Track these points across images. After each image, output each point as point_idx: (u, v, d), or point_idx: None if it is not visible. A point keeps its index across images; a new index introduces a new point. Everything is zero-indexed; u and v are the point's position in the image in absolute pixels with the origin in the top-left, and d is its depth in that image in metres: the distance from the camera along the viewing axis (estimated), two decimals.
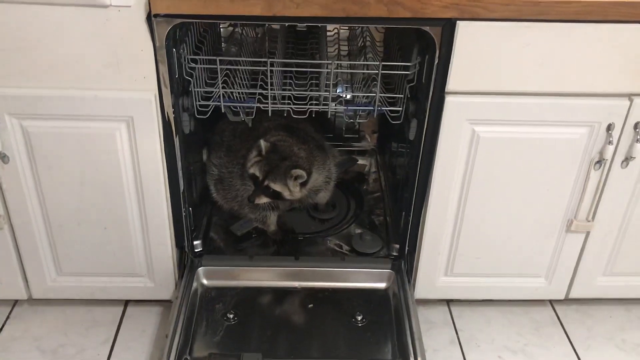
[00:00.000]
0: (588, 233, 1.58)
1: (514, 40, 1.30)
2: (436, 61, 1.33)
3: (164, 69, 1.34)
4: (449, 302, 1.79)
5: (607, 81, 1.36)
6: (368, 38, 1.84)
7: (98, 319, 1.69)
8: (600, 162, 1.46)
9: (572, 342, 1.68)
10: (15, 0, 1.22)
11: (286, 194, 1.58)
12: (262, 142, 1.56)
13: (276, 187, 1.56)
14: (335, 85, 1.55)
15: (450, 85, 1.35)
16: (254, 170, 1.57)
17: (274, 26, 1.87)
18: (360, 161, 2.16)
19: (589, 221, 1.55)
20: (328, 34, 1.90)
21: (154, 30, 1.28)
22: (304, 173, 1.55)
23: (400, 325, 1.51)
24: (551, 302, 1.81)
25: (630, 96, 1.38)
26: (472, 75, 1.34)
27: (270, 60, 1.44)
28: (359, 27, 1.87)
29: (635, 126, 1.41)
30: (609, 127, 1.41)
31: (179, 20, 1.28)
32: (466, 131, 1.41)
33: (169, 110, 1.39)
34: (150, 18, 1.26)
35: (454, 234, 1.57)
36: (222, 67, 1.46)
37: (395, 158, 1.90)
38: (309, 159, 1.62)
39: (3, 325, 1.67)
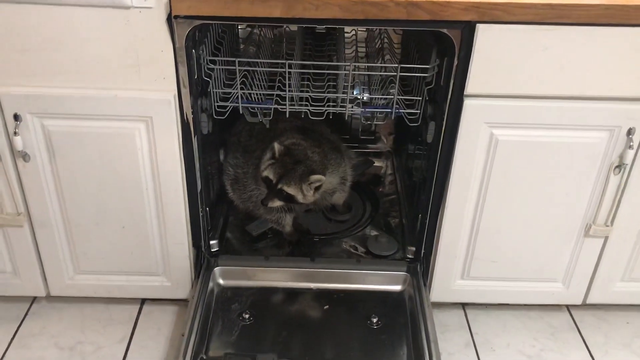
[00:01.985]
0: (607, 238, 1.57)
1: (533, 44, 1.29)
2: (455, 64, 1.33)
3: (183, 70, 1.35)
4: (464, 305, 1.78)
5: (627, 85, 1.35)
6: (386, 40, 1.84)
7: (115, 317, 1.71)
8: (620, 166, 1.44)
9: (589, 348, 1.67)
10: (38, 2, 1.24)
11: (299, 198, 1.58)
12: (276, 145, 1.56)
13: (290, 190, 1.56)
14: (353, 87, 1.56)
15: (469, 88, 1.34)
16: (268, 173, 1.57)
17: (291, 27, 1.88)
18: (376, 163, 2.16)
19: (607, 226, 1.54)
20: (345, 35, 1.90)
21: (174, 31, 1.29)
22: (322, 178, 1.55)
23: (416, 328, 1.51)
24: (568, 307, 1.80)
25: None
26: (491, 78, 1.33)
27: (289, 62, 1.44)
28: (376, 28, 1.87)
29: None
30: (630, 132, 1.39)
31: (199, 22, 1.29)
32: (484, 134, 1.40)
33: (188, 110, 1.40)
34: (170, 19, 1.27)
35: (471, 237, 1.57)
36: (241, 68, 1.47)
37: (411, 160, 1.90)
38: (323, 162, 1.61)
39: (22, 322, 1.69)
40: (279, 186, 1.55)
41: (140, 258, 1.61)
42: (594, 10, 1.25)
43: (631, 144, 1.40)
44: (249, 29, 1.91)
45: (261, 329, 1.54)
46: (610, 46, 1.29)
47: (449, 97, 1.38)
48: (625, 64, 1.32)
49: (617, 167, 1.45)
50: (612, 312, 1.78)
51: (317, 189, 1.59)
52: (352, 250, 1.77)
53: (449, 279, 1.65)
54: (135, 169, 1.45)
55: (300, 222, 1.84)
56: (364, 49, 1.92)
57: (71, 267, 1.63)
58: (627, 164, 1.44)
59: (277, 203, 1.59)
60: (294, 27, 1.86)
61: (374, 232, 1.84)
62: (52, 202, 1.50)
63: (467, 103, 1.36)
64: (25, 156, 1.41)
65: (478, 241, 1.57)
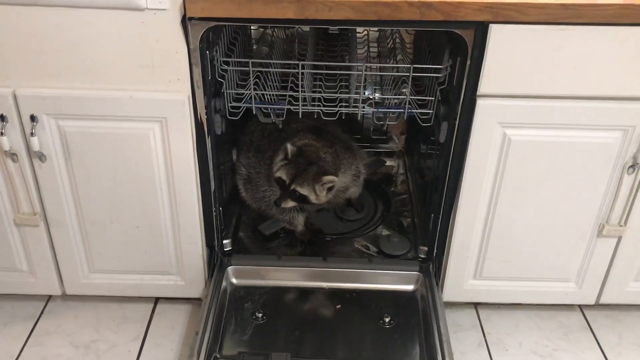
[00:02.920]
0: (620, 238, 1.57)
1: (547, 44, 1.29)
2: (468, 64, 1.33)
3: (197, 71, 1.36)
4: (476, 305, 1.78)
5: None
6: (397, 39, 1.84)
7: (129, 316, 1.72)
8: (633, 166, 1.44)
9: (602, 348, 1.66)
10: (54, 4, 1.25)
11: (313, 198, 1.58)
12: (289, 146, 1.57)
13: (303, 191, 1.57)
14: (365, 87, 1.56)
15: (482, 88, 1.34)
16: (281, 174, 1.58)
17: (303, 28, 1.88)
18: (388, 163, 2.15)
19: (621, 226, 1.53)
20: (357, 35, 1.90)
21: (188, 32, 1.30)
22: (335, 179, 1.55)
23: (428, 328, 1.51)
24: (581, 307, 1.79)
25: None
26: (505, 78, 1.33)
27: (301, 62, 1.45)
28: (388, 28, 1.87)
29: None
30: None
31: (213, 23, 1.30)
32: (497, 134, 1.40)
33: (202, 111, 1.41)
34: (185, 21, 1.28)
35: (484, 237, 1.57)
36: (254, 69, 1.47)
37: (423, 160, 1.90)
38: (335, 163, 1.62)
39: (37, 320, 1.71)
40: (292, 187, 1.56)
41: (154, 257, 1.62)
42: (609, 10, 1.24)
43: None
44: (261, 29, 1.92)
45: (274, 328, 1.54)
46: (624, 46, 1.29)
47: (462, 97, 1.38)
48: (639, 63, 1.31)
49: (630, 167, 1.44)
50: (626, 312, 1.77)
51: (330, 189, 1.59)
52: (364, 250, 1.77)
53: (461, 278, 1.65)
54: (149, 169, 1.46)
55: (312, 222, 1.85)
56: (375, 49, 1.92)
57: (86, 266, 1.64)
58: None
59: (290, 203, 1.60)
60: (306, 28, 1.87)
61: (386, 232, 1.84)
62: (68, 202, 1.52)
63: (480, 103, 1.36)
64: (41, 156, 1.43)
65: (491, 241, 1.57)
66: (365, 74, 1.50)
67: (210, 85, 1.43)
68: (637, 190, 1.48)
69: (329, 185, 1.57)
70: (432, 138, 1.67)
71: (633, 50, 1.29)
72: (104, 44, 1.30)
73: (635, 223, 1.53)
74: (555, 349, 1.66)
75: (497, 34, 1.27)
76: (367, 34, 1.94)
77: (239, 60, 1.54)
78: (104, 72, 1.34)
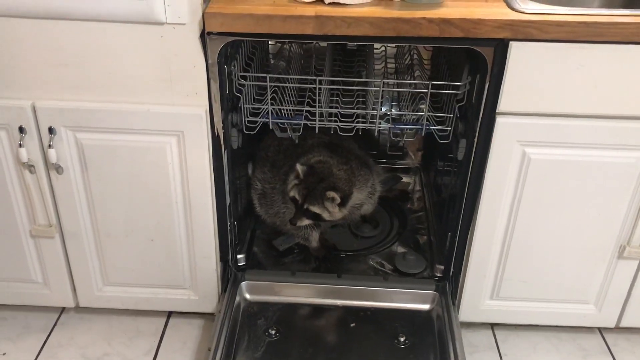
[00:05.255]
0: None
1: (567, 62, 1.27)
2: (487, 81, 1.32)
3: (215, 86, 1.36)
4: (493, 325, 1.75)
5: None
6: (415, 55, 1.84)
7: (141, 330, 1.71)
8: None
9: None
10: (74, 17, 1.26)
11: (326, 216, 1.57)
12: (299, 167, 1.56)
13: (315, 209, 1.56)
14: (382, 103, 1.55)
15: (502, 105, 1.33)
16: (294, 194, 1.58)
17: (321, 43, 1.88)
18: (404, 179, 2.14)
19: None
20: (375, 50, 1.90)
21: (207, 47, 1.30)
22: (335, 195, 1.54)
23: (444, 348, 1.48)
24: (600, 329, 1.75)
25: None
26: (524, 96, 1.32)
27: (319, 78, 1.45)
28: (406, 44, 1.86)
29: None
30: None
31: (231, 38, 1.30)
32: (517, 153, 1.38)
33: (219, 125, 1.41)
34: (203, 35, 1.29)
35: (501, 256, 1.54)
36: (271, 84, 1.47)
37: (440, 177, 1.88)
38: (350, 179, 1.60)
39: (50, 332, 1.70)
40: (305, 206, 1.55)
41: (168, 271, 1.61)
42: (630, 29, 1.23)
43: None
44: (279, 44, 1.92)
45: (287, 345, 1.53)
46: None
47: (481, 114, 1.37)
48: None
49: None
50: None
51: (342, 205, 1.58)
52: (379, 268, 1.75)
53: (478, 298, 1.62)
54: (165, 183, 1.46)
55: (327, 238, 1.83)
56: (393, 65, 1.92)
57: (100, 279, 1.64)
58: None
59: (305, 222, 1.59)
60: (323, 43, 1.87)
61: (401, 249, 1.82)
62: (83, 214, 1.52)
63: (499, 121, 1.35)
64: (58, 168, 1.43)
65: (508, 261, 1.54)
66: (383, 90, 1.49)
67: (227, 100, 1.43)
68: None
69: (338, 201, 1.55)
70: (449, 155, 1.65)
71: None
72: (123, 58, 1.31)
73: None
74: None
75: (517, 52, 1.26)
76: (385, 50, 1.93)
77: (256, 75, 1.54)
78: (122, 85, 1.34)
